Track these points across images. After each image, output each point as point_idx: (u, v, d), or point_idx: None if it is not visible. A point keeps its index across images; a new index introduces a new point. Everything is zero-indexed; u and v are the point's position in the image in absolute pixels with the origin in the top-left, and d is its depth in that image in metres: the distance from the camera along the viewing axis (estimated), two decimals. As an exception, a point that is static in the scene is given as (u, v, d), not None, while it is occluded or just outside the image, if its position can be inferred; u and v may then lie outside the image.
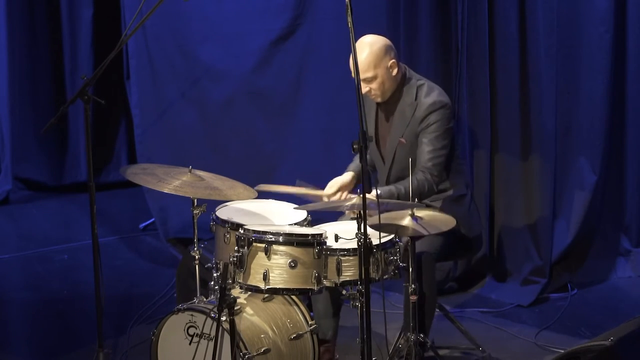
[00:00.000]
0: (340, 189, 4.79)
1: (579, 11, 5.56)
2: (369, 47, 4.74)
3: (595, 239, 5.87)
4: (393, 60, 4.76)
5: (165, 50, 6.49)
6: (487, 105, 5.69)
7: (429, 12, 5.68)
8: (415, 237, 4.37)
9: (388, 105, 4.87)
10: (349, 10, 3.83)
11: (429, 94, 4.79)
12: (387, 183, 4.86)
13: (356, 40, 3.83)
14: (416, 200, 4.43)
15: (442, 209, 4.75)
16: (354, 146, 3.88)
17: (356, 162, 4.98)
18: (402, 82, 4.82)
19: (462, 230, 4.84)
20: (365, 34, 4.80)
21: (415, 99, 4.79)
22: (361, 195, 3.97)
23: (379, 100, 4.86)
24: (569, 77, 5.64)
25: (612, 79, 5.65)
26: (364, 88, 4.78)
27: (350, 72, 4.60)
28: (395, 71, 4.78)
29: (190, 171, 4.58)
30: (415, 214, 4.32)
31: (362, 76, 4.71)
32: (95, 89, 5.73)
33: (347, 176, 4.88)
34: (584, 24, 5.57)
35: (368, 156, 5.00)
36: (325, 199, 4.76)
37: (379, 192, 4.51)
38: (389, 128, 4.88)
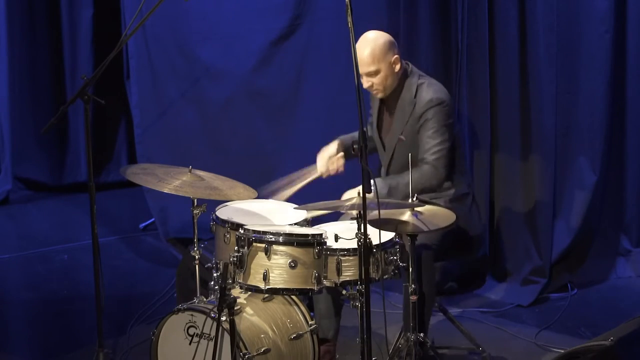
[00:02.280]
0: (330, 162, 4.91)
1: (579, 11, 5.56)
2: (373, 42, 4.78)
3: (595, 239, 5.87)
4: (396, 56, 4.80)
5: (165, 50, 6.49)
6: (487, 105, 5.68)
7: (429, 12, 5.68)
8: (415, 235, 4.38)
9: (390, 101, 4.90)
10: (349, 10, 3.83)
11: (427, 91, 4.81)
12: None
13: (357, 39, 3.83)
14: (416, 195, 4.43)
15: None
16: (354, 146, 3.88)
17: (348, 135, 5.05)
18: (403, 78, 4.85)
19: (464, 228, 4.84)
20: (366, 32, 4.82)
21: (415, 96, 4.81)
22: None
23: (380, 95, 4.89)
24: (569, 77, 5.64)
25: (612, 79, 5.64)
26: (366, 83, 4.81)
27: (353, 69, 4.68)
28: (397, 67, 4.81)
29: (190, 171, 4.58)
30: (416, 208, 4.34)
31: (365, 70, 4.77)
32: (95, 89, 5.72)
33: (331, 146, 4.96)
34: (584, 24, 5.57)
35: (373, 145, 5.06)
36: (324, 176, 4.94)
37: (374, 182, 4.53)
38: (390, 124, 4.92)
